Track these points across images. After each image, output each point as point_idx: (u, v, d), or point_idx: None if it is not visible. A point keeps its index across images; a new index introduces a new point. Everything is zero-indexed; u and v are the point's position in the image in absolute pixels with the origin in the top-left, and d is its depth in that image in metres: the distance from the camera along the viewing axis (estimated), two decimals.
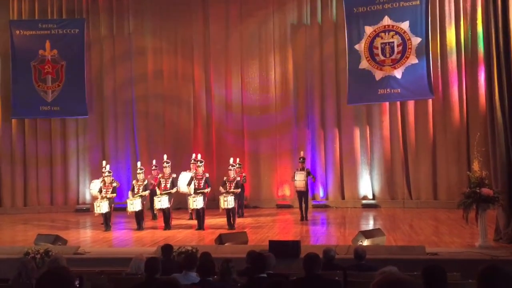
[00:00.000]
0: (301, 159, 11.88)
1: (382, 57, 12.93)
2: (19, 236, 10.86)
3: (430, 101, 13.08)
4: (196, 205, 10.57)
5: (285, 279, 4.51)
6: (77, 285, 3.95)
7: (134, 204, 10.83)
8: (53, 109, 14.66)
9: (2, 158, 14.95)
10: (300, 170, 11.67)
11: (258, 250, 6.13)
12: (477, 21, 12.34)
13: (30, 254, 7.47)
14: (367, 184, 13.77)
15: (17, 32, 14.71)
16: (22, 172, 15.01)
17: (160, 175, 11.54)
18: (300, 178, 11.57)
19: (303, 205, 11.60)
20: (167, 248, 6.30)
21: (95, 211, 11.04)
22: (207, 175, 11.06)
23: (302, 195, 11.63)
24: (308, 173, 11.72)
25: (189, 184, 11.04)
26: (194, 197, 10.62)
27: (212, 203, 11.80)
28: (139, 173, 11.31)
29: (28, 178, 15.01)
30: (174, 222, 11.28)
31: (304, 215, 11.60)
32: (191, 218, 11.82)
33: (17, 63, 14.62)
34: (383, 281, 1.89)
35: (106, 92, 15.15)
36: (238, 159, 12.41)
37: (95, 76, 15.15)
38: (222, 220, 10.87)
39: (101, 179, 11.73)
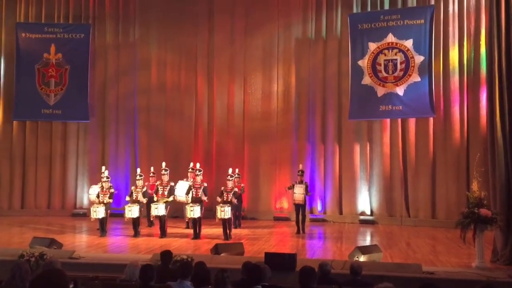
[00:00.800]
0: (300, 172, 11.88)
1: (384, 74, 13.00)
2: (14, 238, 10.82)
3: (431, 119, 13.11)
4: (193, 214, 10.54)
5: None
6: None
7: (132, 211, 10.81)
8: (55, 112, 14.68)
9: (1, 160, 14.95)
10: (299, 183, 11.66)
11: (254, 262, 6.10)
12: (481, 42, 12.41)
13: (25, 257, 7.43)
14: (366, 200, 13.75)
15: (23, 34, 14.79)
16: (21, 175, 15.00)
17: (158, 182, 11.54)
18: (299, 191, 11.56)
19: (300, 218, 11.58)
20: (166, 255, 6.09)
21: (92, 216, 11.02)
22: (205, 184, 11.05)
23: (299, 208, 11.61)
24: (306, 187, 11.71)
25: (187, 193, 11.04)
26: (191, 206, 10.59)
27: (209, 213, 11.76)
28: (138, 180, 11.33)
29: (26, 181, 15.01)
30: (170, 230, 11.25)
31: (300, 228, 11.56)
32: (187, 227, 11.79)
33: (21, 65, 14.68)
34: None
35: (108, 98, 15.18)
36: (237, 170, 12.40)
37: (99, 81, 15.21)
38: (218, 230, 10.84)
39: (99, 184, 11.73)
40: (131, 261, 5.64)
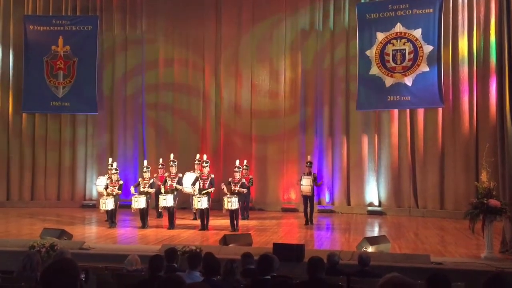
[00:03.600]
0: (308, 163, 11.85)
1: (393, 64, 12.90)
2: (25, 230, 10.93)
3: (440, 109, 13.01)
4: (201, 205, 10.58)
5: (289, 280, 4.51)
6: (83, 279, 3.96)
7: (139, 201, 10.88)
8: (64, 104, 14.76)
9: (11, 151, 15.07)
10: (307, 174, 11.65)
11: (262, 253, 6.11)
12: (490, 31, 12.27)
13: (36, 248, 7.50)
14: (374, 191, 13.72)
15: (31, 27, 14.83)
16: (31, 166, 15.12)
17: (166, 174, 11.58)
18: (306, 183, 11.54)
19: (308, 210, 11.58)
20: (171, 252, 5.49)
21: (101, 208, 11.10)
22: (212, 176, 11.04)
23: (307, 199, 11.60)
24: (315, 178, 11.69)
25: (193, 184, 11.07)
26: (199, 197, 10.62)
27: (216, 204, 11.79)
28: (145, 172, 11.37)
29: (36, 172, 15.13)
30: (178, 221, 11.30)
31: (308, 220, 11.57)
32: (195, 218, 11.83)
33: (29, 58, 14.74)
34: (389, 282, 1.88)
35: (116, 90, 15.23)
36: (245, 161, 12.41)
37: (106, 73, 15.25)
38: (226, 222, 10.86)
39: (107, 176, 11.80)
40: (131, 254, 5.61)
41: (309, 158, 12.20)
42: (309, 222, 11.54)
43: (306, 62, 14.38)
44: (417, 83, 12.64)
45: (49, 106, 14.78)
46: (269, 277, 4.49)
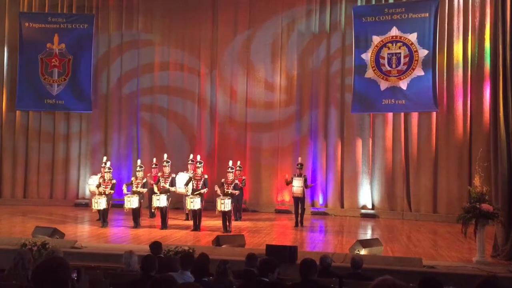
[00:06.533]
0: (299, 165, 11.85)
1: (388, 68, 12.95)
2: (17, 228, 10.87)
3: (434, 114, 13.07)
4: (194, 206, 10.56)
5: (282, 281, 4.51)
6: (75, 278, 3.94)
7: (131, 201, 10.84)
8: (58, 102, 14.70)
9: (4, 149, 15.00)
10: (298, 176, 11.65)
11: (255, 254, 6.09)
12: (485, 37, 12.36)
13: (27, 246, 7.46)
14: (367, 194, 13.75)
15: (26, 24, 14.78)
16: (24, 164, 15.05)
17: (159, 174, 11.56)
18: (297, 184, 11.56)
19: (299, 211, 11.58)
20: (155, 246, 6.17)
21: (93, 207, 11.06)
22: (206, 176, 11.02)
23: (298, 201, 11.62)
24: (305, 180, 11.70)
25: (187, 184, 11.04)
26: (192, 198, 10.61)
27: (209, 204, 11.78)
28: (139, 171, 11.33)
29: (29, 170, 15.06)
30: (170, 222, 11.28)
31: (299, 221, 11.57)
32: (187, 219, 11.82)
33: (24, 55, 14.68)
34: (381, 285, 1.89)
35: (111, 89, 15.19)
36: (239, 162, 12.40)
37: (102, 72, 15.20)
38: (218, 222, 10.84)
39: (99, 175, 11.75)
40: (125, 251, 5.63)
41: (299, 160, 12.20)
42: (299, 224, 11.55)
43: (301, 64, 14.38)
44: (412, 87, 12.70)
45: (43, 104, 14.72)
46: (267, 279, 4.48)
